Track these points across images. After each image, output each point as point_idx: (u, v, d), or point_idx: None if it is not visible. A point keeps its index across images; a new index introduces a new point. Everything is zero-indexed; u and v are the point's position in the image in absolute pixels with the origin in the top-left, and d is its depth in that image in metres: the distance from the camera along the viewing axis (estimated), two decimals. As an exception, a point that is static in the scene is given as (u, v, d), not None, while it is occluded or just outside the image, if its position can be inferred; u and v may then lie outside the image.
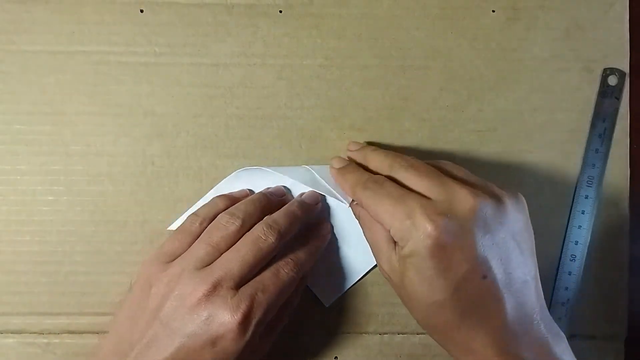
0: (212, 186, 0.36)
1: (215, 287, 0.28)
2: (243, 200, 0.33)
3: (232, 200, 0.34)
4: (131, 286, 0.32)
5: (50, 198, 0.36)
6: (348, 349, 0.37)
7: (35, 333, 0.36)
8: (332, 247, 0.36)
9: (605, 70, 0.37)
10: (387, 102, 0.37)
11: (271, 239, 0.30)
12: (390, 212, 0.27)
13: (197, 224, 0.32)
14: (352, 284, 0.37)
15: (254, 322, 0.28)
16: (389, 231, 0.28)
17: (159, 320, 0.29)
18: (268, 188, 0.35)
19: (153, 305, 0.29)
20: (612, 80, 0.37)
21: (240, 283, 0.29)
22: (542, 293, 0.29)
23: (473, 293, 0.26)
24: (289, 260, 0.31)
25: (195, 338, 0.28)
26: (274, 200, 0.34)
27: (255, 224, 0.31)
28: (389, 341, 0.37)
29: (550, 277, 0.37)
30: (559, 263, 0.37)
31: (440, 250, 0.26)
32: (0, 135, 0.36)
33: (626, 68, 0.37)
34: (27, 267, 0.36)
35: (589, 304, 0.37)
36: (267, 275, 0.30)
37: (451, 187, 0.27)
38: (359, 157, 0.34)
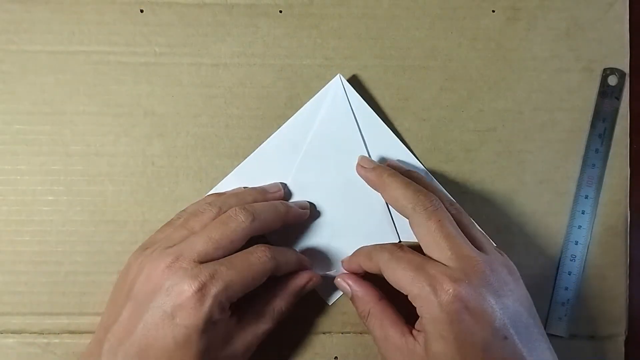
0: (212, 186, 0.36)
1: (177, 258, 0.28)
2: (226, 193, 0.34)
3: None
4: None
5: (50, 198, 0.36)
6: (348, 349, 0.37)
7: (35, 333, 0.36)
8: (334, 246, 0.36)
9: (605, 70, 0.37)
10: (387, 102, 0.37)
11: (241, 217, 0.30)
12: (409, 278, 0.28)
13: (182, 219, 0.32)
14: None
15: (212, 292, 0.28)
16: (407, 296, 0.29)
17: (130, 298, 0.29)
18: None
19: (127, 287, 0.30)
20: (612, 80, 0.37)
21: (204, 258, 0.29)
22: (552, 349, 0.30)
23: (498, 355, 0.27)
24: (265, 247, 0.30)
25: (157, 310, 0.28)
26: (260, 196, 0.34)
27: None
28: (389, 341, 0.37)
29: (550, 277, 0.37)
30: (559, 263, 0.37)
31: (464, 315, 0.27)
32: (0, 135, 0.36)
33: (626, 68, 0.37)
34: (27, 267, 0.36)
35: (589, 304, 0.37)
36: (237, 256, 0.30)
37: (463, 254, 0.29)
38: (373, 178, 0.34)
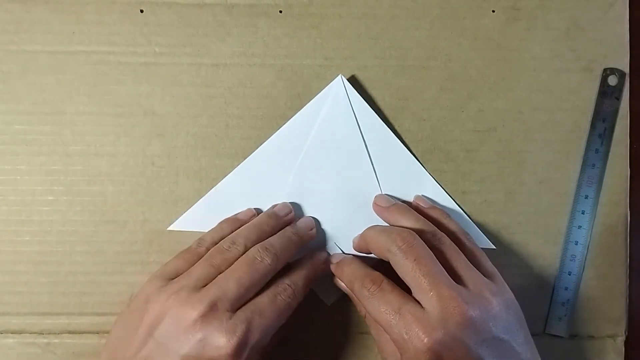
0: (212, 186, 0.36)
1: (211, 308, 0.28)
2: (246, 226, 0.34)
3: (237, 223, 0.34)
4: (130, 300, 0.32)
5: (50, 198, 0.36)
6: (348, 349, 0.37)
7: (35, 333, 0.36)
8: (334, 246, 0.36)
9: (605, 70, 0.37)
10: (387, 102, 0.37)
11: (267, 260, 0.30)
12: (388, 322, 0.29)
13: (204, 248, 0.32)
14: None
15: (249, 347, 0.28)
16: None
17: (154, 338, 0.28)
18: (274, 205, 0.35)
19: (148, 321, 0.29)
20: (612, 80, 0.37)
21: (236, 305, 0.29)
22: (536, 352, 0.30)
23: None
24: (287, 286, 0.31)
25: (189, 359, 0.28)
26: (276, 223, 0.34)
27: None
28: (389, 341, 0.37)
29: (550, 277, 0.37)
30: (559, 263, 0.37)
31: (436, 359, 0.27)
32: (0, 135, 0.36)
33: (626, 68, 0.37)
34: (27, 267, 0.36)
35: (589, 304, 0.37)
36: (264, 300, 0.30)
37: (443, 294, 0.28)
38: (387, 217, 0.35)
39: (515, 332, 0.29)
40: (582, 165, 0.37)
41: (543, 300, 0.37)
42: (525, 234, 0.37)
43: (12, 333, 0.36)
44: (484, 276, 0.31)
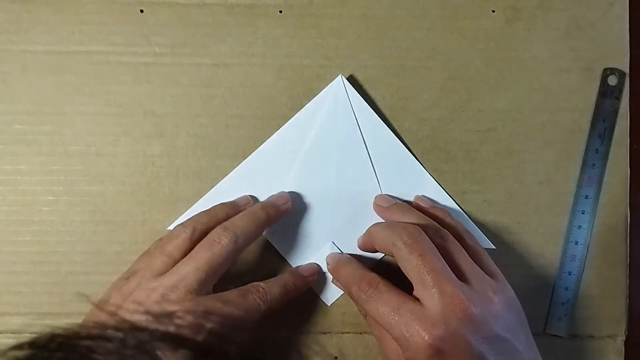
0: (212, 186, 0.36)
1: (172, 290, 0.29)
2: (199, 212, 0.34)
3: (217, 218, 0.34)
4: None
5: (50, 198, 0.36)
6: (348, 349, 0.37)
7: (35, 333, 0.36)
8: (332, 246, 0.36)
9: (605, 70, 0.37)
10: (387, 102, 0.37)
11: (225, 240, 0.30)
12: (389, 322, 0.29)
13: (156, 249, 0.32)
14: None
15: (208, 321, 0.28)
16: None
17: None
18: (271, 196, 0.36)
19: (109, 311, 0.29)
20: (612, 80, 0.37)
21: (199, 290, 0.29)
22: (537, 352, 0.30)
23: None
24: (261, 289, 0.31)
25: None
26: (232, 212, 0.34)
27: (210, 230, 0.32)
28: (389, 341, 0.37)
29: (550, 277, 0.37)
30: (559, 263, 0.37)
31: (439, 357, 0.27)
32: (0, 135, 0.36)
33: (626, 68, 0.37)
34: (27, 267, 0.36)
35: (589, 304, 0.37)
36: (234, 294, 0.31)
37: (446, 291, 0.28)
38: (388, 216, 0.35)
39: (517, 331, 0.30)
40: (582, 165, 0.37)
41: (543, 300, 0.37)
42: (525, 234, 0.37)
43: (12, 333, 0.36)
44: (487, 275, 0.31)
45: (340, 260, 0.34)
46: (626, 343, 0.37)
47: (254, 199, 0.36)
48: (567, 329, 0.37)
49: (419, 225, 0.32)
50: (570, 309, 0.37)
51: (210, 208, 0.34)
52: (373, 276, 0.31)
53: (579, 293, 0.37)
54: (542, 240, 0.37)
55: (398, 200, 0.35)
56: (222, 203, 0.35)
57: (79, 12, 0.36)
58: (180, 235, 0.31)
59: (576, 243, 0.37)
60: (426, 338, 0.27)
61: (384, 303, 0.29)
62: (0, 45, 0.36)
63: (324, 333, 0.37)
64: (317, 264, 0.36)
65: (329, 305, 0.37)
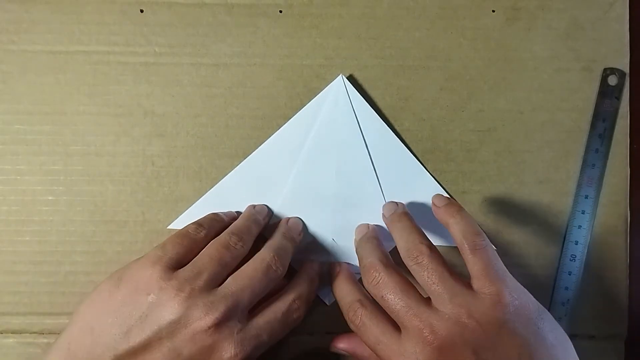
0: (212, 186, 0.36)
1: (226, 317, 0.28)
2: (244, 217, 0.34)
3: (234, 217, 0.35)
4: (118, 279, 0.29)
5: (50, 198, 0.36)
6: (348, 349, 0.37)
7: (35, 333, 0.36)
8: (333, 246, 0.36)
9: (605, 70, 0.37)
10: (387, 102, 0.37)
11: (280, 270, 0.31)
12: (375, 353, 0.29)
13: (202, 234, 0.32)
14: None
15: (247, 350, 0.28)
16: None
17: (154, 332, 0.27)
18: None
19: (150, 313, 0.28)
20: (612, 80, 0.37)
21: (247, 313, 0.29)
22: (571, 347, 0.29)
23: None
24: (300, 305, 0.32)
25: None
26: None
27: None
28: (389, 341, 0.37)
29: (550, 277, 0.37)
30: (559, 263, 0.37)
31: None
32: (0, 135, 0.36)
33: (626, 68, 0.37)
34: (27, 267, 0.36)
35: (589, 304, 0.37)
36: (278, 317, 0.30)
37: (413, 329, 0.27)
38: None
39: (496, 347, 0.27)
40: (582, 165, 0.37)
41: (543, 300, 0.37)
42: (525, 234, 0.37)
43: (12, 333, 0.36)
44: (491, 283, 0.28)
45: (340, 276, 0.34)
46: (626, 343, 0.37)
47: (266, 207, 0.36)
48: (567, 329, 0.37)
49: (400, 244, 0.31)
50: (570, 309, 0.37)
51: (255, 216, 0.34)
52: (362, 302, 0.31)
53: (579, 293, 0.37)
54: (542, 240, 0.37)
55: (400, 207, 0.34)
56: (256, 211, 0.35)
57: (79, 12, 0.36)
58: (237, 249, 0.31)
59: (576, 243, 0.37)
60: None
61: (367, 336, 0.29)
62: (0, 45, 0.36)
63: (324, 333, 0.37)
64: (318, 263, 0.36)
65: (328, 304, 0.37)
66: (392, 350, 0.28)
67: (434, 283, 0.28)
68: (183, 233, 0.31)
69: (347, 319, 0.31)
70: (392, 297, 0.29)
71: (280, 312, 0.30)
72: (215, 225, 0.33)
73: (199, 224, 0.32)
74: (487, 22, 0.37)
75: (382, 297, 0.29)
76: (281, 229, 0.34)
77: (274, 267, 0.30)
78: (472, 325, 0.27)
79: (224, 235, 0.32)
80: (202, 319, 0.27)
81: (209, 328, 0.27)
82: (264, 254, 0.31)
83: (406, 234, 0.31)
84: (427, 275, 0.29)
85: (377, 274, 0.30)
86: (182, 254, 0.30)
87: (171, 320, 0.27)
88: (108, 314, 0.28)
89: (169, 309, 0.28)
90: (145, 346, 0.27)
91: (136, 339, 0.27)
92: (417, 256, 0.29)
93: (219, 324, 0.28)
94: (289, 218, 0.36)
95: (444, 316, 0.27)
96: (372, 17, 0.37)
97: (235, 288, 0.29)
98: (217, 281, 0.29)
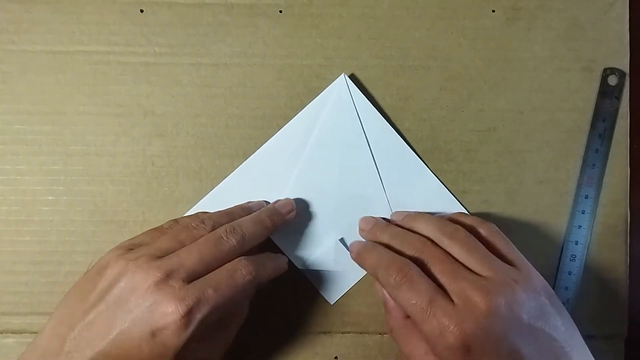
0: (212, 186, 0.36)
1: (166, 276, 0.28)
2: (218, 211, 0.34)
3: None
4: (88, 267, 0.31)
5: (50, 198, 0.36)
6: (348, 349, 0.37)
7: (35, 333, 0.36)
8: (336, 245, 0.36)
9: (605, 70, 0.37)
10: (387, 102, 0.37)
11: (232, 241, 0.30)
12: (420, 315, 0.28)
13: (171, 228, 0.32)
14: (356, 281, 0.37)
15: (198, 317, 0.27)
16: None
17: (105, 301, 0.28)
18: (250, 202, 0.36)
19: (103, 285, 0.29)
20: (612, 80, 0.37)
21: (192, 277, 0.29)
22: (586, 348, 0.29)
23: None
24: (248, 264, 0.30)
25: (136, 325, 0.27)
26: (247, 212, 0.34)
27: None
28: (389, 341, 0.37)
29: (550, 277, 0.37)
30: (559, 263, 0.37)
31: (467, 352, 0.27)
32: (0, 135, 0.36)
33: (626, 68, 0.37)
34: (27, 267, 0.36)
35: (589, 304, 0.37)
36: (222, 274, 0.29)
37: (467, 290, 0.28)
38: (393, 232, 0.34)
39: (549, 318, 0.28)
40: (582, 165, 0.37)
41: (543, 300, 0.37)
42: (525, 234, 0.37)
43: (12, 333, 0.36)
44: (506, 264, 0.30)
45: (365, 246, 0.33)
46: (626, 343, 0.37)
47: (267, 204, 0.36)
48: (567, 329, 0.37)
49: (431, 227, 0.32)
50: (570, 309, 0.37)
51: (229, 209, 0.34)
52: (403, 261, 0.30)
53: (579, 293, 0.37)
54: (542, 240, 0.37)
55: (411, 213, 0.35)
56: (239, 205, 0.35)
57: (79, 12, 0.36)
58: (197, 229, 0.31)
59: (576, 243, 0.37)
60: (456, 334, 0.27)
61: (416, 294, 0.29)
62: (0, 45, 0.36)
63: (324, 333, 0.37)
64: (320, 257, 0.36)
65: (332, 304, 0.37)
66: (447, 310, 0.28)
67: (477, 253, 0.30)
68: (155, 228, 0.33)
69: (386, 275, 0.30)
70: (441, 259, 0.30)
71: (224, 269, 0.30)
72: (191, 220, 0.33)
73: (174, 220, 0.33)
74: (487, 22, 0.37)
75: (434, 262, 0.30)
76: (258, 212, 0.34)
77: (224, 238, 0.30)
78: (519, 288, 0.28)
79: (187, 217, 0.33)
80: (144, 278, 0.28)
81: (149, 287, 0.27)
82: (219, 228, 0.31)
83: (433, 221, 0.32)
84: (468, 248, 0.30)
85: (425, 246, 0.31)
86: (146, 240, 0.31)
87: (116, 285, 0.28)
88: (73, 294, 0.30)
89: (116, 275, 0.29)
90: (94, 315, 0.28)
91: (87, 308, 0.28)
92: (452, 232, 0.31)
93: (158, 283, 0.28)
94: (279, 200, 0.36)
95: (491, 280, 0.28)
96: (372, 17, 0.37)
97: (182, 254, 0.29)
98: (167, 252, 0.30)
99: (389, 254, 0.31)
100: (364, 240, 0.35)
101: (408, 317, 0.31)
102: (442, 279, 0.29)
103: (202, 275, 0.29)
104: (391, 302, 0.32)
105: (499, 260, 0.30)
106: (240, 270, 0.30)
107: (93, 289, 0.29)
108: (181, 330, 0.27)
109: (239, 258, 0.30)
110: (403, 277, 0.29)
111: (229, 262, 0.30)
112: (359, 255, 0.33)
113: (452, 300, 0.28)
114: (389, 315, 0.33)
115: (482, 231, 0.32)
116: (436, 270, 0.29)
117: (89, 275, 0.30)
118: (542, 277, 0.30)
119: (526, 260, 0.31)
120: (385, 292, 0.32)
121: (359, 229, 0.36)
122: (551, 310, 0.29)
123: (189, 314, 0.27)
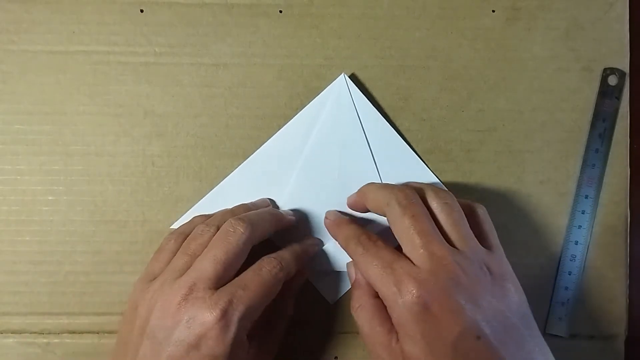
0: (212, 186, 0.36)
1: (191, 289, 0.28)
2: (218, 211, 0.34)
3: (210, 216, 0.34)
4: (123, 313, 0.32)
5: (50, 198, 0.36)
6: (348, 349, 0.37)
7: (35, 333, 0.36)
8: (337, 245, 0.36)
9: (605, 70, 0.37)
10: (387, 102, 0.37)
11: (240, 229, 0.30)
12: (380, 276, 0.28)
13: (172, 241, 0.32)
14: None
15: (235, 317, 0.27)
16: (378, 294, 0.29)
17: (146, 336, 0.28)
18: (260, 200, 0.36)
19: (139, 323, 0.29)
20: (612, 80, 0.37)
21: (217, 283, 0.29)
22: (539, 334, 0.29)
23: (470, 355, 0.26)
24: (272, 258, 0.30)
25: (180, 344, 0.27)
26: (253, 209, 0.34)
27: None
28: (389, 341, 0.37)
29: (550, 277, 0.37)
30: (559, 263, 0.37)
31: (427, 315, 0.27)
32: (0, 135, 0.36)
33: (626, 68, 0.37)
34: (27, 267, 0.36)
35: (589, 304, 0.37)
36: (248, 274, 0.30)
37: (435, 252, 0.28)
38: (352, 200, 0.35)
39: (515, 309, 0.28)
40: (582, 165, 0.37)
41: (543, 300, 0.37)
42: (525, 234, 0.37)
43: (12, 333, 0.36)
44: (483, 247, 0.30)
45: (341, 218, 0.34)
46: (626, 343, 0.37)
47: (272, 202, 0.36)
48: (567, 329, 0.37)
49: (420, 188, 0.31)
50: (570, 309, 0.37)
51: (233, 207, 0.34)
52: (373, 234, 0.31)
53: (579, 293, 0.37)
54: (542, 240, 0.37)
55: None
56: (243, 204, 0.35)
57: (79, 12, 0.36)
58: (204, 235, 0.31)
59: (576, 243, 0.37)
60: (415, 293, 0.27)
61: (379, 258, 0.29)
62: (0, 45, 0.36)
63: (324, 333, 0.37)
64: (320, 241, 0.36)
65: (332, 304, 0.37)
66: (408, 270, 0.27)
67: (456, 227, 0.30)
68: (157, 250, 0.33)
69: (356, 244, 0.30)
70: (423, 219, 0.29)
71: (250, 269, 0.30)
72: (188, 228, 0.33)
73: (169, 234, 0.33)
74: (487, 22, 0.37)
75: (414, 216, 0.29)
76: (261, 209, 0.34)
77: (231, 230, 0.30)
78: (488, 272, 0.29)
79: (188, 224, 0.34)
80: (172, 300, 0.28)
81: (179, 305, 0.28)
82: (225, 224, 0.31)
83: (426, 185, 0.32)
84: (451, 218, 0.30)
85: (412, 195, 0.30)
86: (158, 266, 0.31)
87: (151, 317, 0.28)
88: (118, 342, 0.31)
89: (147, 309, 0.29)
90: (141, 353, 0.28)
91: (134, 350, 0.29)
92: (443, 196, 0.31)
93: (186, 298, 0.28)
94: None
95: (464, 255, 0.28)
96: (372, 17, 0.37)
97: (197, 264, 0.29)
98: (185, 269, 0.30)
99: (362, 228, 0.32)
100: (337, 212, 0.35)
101: (376, 296, 0.31)
102: (417, 238, 0.28)
103: (226, 276, 0.29)
104: (361, 281, 0.32)
105: (476, 241, 0.30)
106: (265, 267, 0.30)
107: (132, 330, 0.29)
108: (222, 333, 0.27)
109: (264, 257, 0.31)
110: (371, 244, 0.30)
111: (244, 251, 0.30)
112: (334, 224, 0.34)
113: (414, 264, 0.28)
114: (355, 292, 0.32)
115: (471, 211, 0.32)
116: (416, 227, 0.29)
117: (125, 319, 0.31)
118: (511, 268, 0.30)
119: (501, 248, 0.31)
120: (353, 270, 0.33)
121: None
122: (519, 302, 0.29)
123: (224, 317, 0.27)
